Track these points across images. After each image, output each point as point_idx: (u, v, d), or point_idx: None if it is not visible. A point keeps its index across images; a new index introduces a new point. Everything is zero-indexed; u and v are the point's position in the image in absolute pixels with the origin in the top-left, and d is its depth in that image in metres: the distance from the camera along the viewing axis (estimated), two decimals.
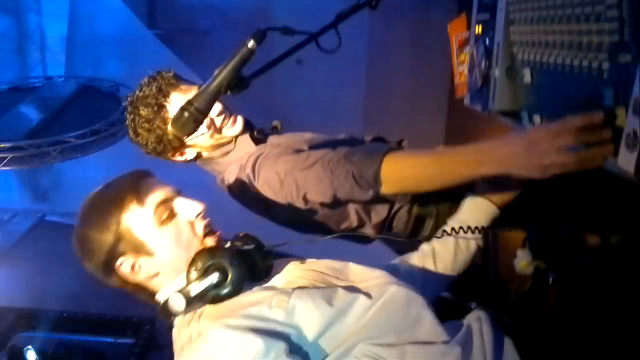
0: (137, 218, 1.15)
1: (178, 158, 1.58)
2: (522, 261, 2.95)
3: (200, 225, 1.20)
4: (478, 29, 1.57)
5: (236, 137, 1.57)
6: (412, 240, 1.50)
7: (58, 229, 4.49)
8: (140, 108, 1.49)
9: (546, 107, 1.27)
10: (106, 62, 4.91)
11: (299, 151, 1.46)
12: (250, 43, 1.22)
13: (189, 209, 1.20)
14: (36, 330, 3.05)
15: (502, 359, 1.02)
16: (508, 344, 1.05)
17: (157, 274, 1.17)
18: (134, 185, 1.19)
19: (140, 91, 1.51)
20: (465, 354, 1.01)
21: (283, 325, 0.99)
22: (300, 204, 1.39)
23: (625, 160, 0.89)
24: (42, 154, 3.67)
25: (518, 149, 1.01)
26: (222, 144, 1.57)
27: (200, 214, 1.20)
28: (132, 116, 1.51)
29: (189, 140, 1.51)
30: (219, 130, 1.55)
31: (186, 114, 1.22)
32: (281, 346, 0.95)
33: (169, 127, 1.45)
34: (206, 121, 1.46)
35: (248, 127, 1.60)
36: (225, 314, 1.03)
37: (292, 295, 1.03)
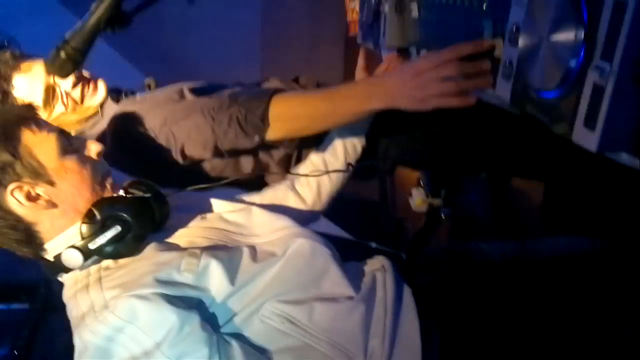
0: (39, 140, 1.03)
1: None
2: (418, 199, 3.11)
3: (101, 166, 1.10)
4: None
5: (101, 105, 1.42)
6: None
7: None
8: None
9: (433, 42, 1.31)
10: None
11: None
12: None
13: (90, 146, 1.09)
14: None
15: (400, 311, 1.03)
16: (407, 295, 1.07)
17: (54, 207, 1.03)
18: (34, 110, 1.09)
19: None
20: (369, 309, 1.01)
21: (193, 289, 0.95)
22: (179, 160, 1.27)
23: (502, 89, 0.94)
24: None
25: (404, 80, 1.03)
26: (87, 116, 1.42)
27: (100, 152, 1.10)
28: None
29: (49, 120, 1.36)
30: (79, 102, 1.40)
31: (62, 54, 1.12)
32: (195, 319, 0.90)
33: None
34: (61, 98, 1.34)
35: (114, 92, 1.45)
36: (132, 280, 0.96)
37: (201, 257, 0.98)
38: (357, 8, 1.68)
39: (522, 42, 0.86)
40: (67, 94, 1.37)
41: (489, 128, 1.41)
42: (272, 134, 1.19)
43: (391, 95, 1.06)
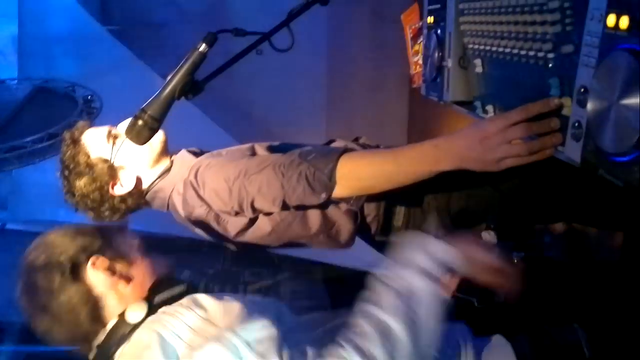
0: None
1: (118, 190, 1.47)
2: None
3: None
4: (430, 19, 1.59)
5: (163, 153, 1.50)
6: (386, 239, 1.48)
7: (19, 238, 4.38)
8: (64, 159, 1.47)
9: (498, 97, 1.30)
10: (60, 62, 4.77)
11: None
12: (202, 46, 1.20)
13: None
14: (2, 344, 2.97)
15: None
16: None
17: (128, 282, 1.19)
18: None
19: (61, 152, 1.50)
20: None
21: None
22: (248, 213, 1.32)
23: (571, 151, 0.92)
24: None
25: (473, 143, 1.03)
26: (154, 157, 1.48)
27: None
28: (62, 176, 1.48)
29: (116, 160, 1.44)
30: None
31: (140, 122, 1.20)
32: None
33: (92, 157, 1.44)
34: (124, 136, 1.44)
35: (195, 154, 1.53)
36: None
37: None
38: (420, 62, 1.69)
39: (590, 104, 0.84)
40: None
41: (561, 179, 1.37)
42: (338, 192, 1.21)
43: (460, 158, 1.06)
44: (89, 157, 1.45)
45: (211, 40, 1.21)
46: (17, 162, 3.68)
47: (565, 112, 0.99)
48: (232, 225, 1.38)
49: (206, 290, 1.18)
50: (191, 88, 1.23)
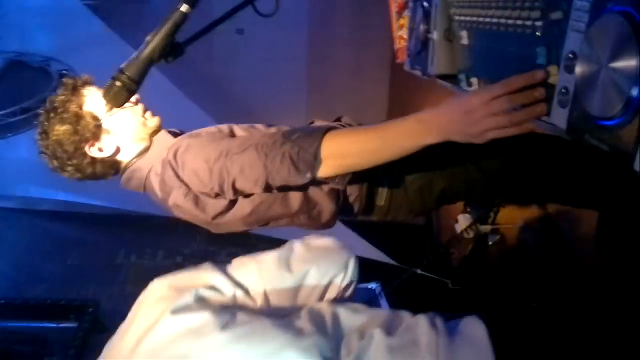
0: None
1: (94, 152, 1.42)
2: (464, 225, 3.04)
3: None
4: None
5: (151, 134, 1.46)
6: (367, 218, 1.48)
7: None
8: (55, 99, 1.40)
9: (483, 69, 1.29)
10: (36, 36, 4.66)
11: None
12: (184, 7, 1.17)
13: None
14: None
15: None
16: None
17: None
18: None
19: (56, 94, 1.43)
20: None
21: None
22: (229, 194, 1.29)
23: (557, 117, 0.91)
24: None
25: (457, 116, 1.02)
26: (140, 136, 1.45)
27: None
28: (44, 115, 1.41)
29: (106, 122, 1.40)
30: (137, 115, 1.45)
31: (118, 83, 1.16)
32: None
33: (85, 109, 1.39)
34: (128, 105, 1.38)
35: (175, 134, 1.49)
36: None
37: None
38: (405, 36, 1.67)
39: (579, 69, 0.83)
40: (131, 104, 1.42)
41: (539, 156, 1.37)
42: (323, 171, 1.19)
43: (444, 131, 1.05)
44: (80, 107, 1.39)
45: (193, 1, 1.17)
46: None
47: (551, 80, 0.98)
48: (212, 207, 1.35)
49: None
50: (171, 50, 1.20)
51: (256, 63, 4.33)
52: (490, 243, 3.00)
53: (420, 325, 1.08)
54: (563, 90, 0.88)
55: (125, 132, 1.42)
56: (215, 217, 1.36)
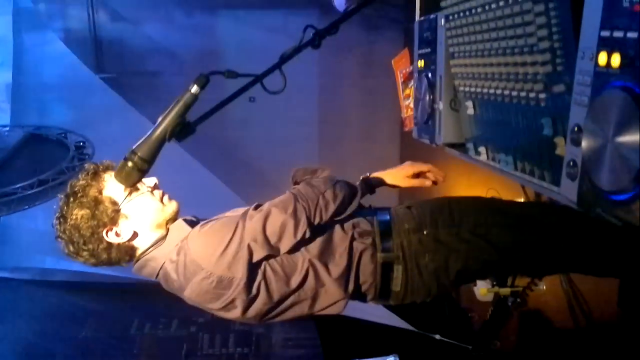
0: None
1: (111, 237, 1.41)
2: (482, 288, 2.97)
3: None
4: (420, 63, 1.60)
5: (169, 221, 1.45)
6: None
7: (6, 284, 4.28)
8: (74, 184, 1.40)
9: (490, 139, 1.29)
10: (53, 109, 4.78)
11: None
12: (194, 88, 1.20)
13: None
14: None
15: None
16: None
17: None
18: None
19: (76, 177, 1.43)
20: None
21: None
22: (260, 253, 1.30)
23: (567, 189, 0.90)
24: None
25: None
26: (157, 223, 1.44)
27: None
28: (64, 199, 1.41)
29: (124, 208, 1.39)
30: (155, 198, 1.44)
31: (130, 163, 1.18)
32: None
33: (104, 194, 1.38)
34: (144, 189, 1.40)
35: (191, 222, 1.47)
36: None
37: None
38: (412, 105, 1.70)
39: (585, 142, 0.83)
40: (149, 189, 1.42)
41: (556, 227, 1.35)
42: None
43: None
44: (100, 192, 1.39)
45: (203, 82, 1.20)
46: (6, 208, 3.62)
47: (558, 151, 0.98)
48: (229, 295, 1.35)
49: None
50: (182, 130, 1.22)
51: (268, 128, 4.40)
52: (510, 306, 2.92)
53: None
54: (571, 163, 0.88)
55: (143, 218, 1.42)
56: (229, 310, 1.35)
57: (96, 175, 1.41)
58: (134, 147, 1.20)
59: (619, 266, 1.40)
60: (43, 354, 3.31)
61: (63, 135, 4.21)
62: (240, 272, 1.29)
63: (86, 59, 4.59)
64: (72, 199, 1.40)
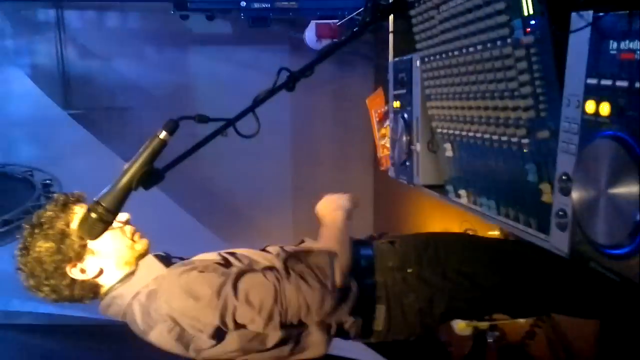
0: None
1: (75, 273, 1.33)
2: (460, 323, 2.93)
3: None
4: (396, 104, 1.58)
5: (137, 258, 1.37)
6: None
7: None
8: (41, 215, 1.31)
9: (471, 182, 1.26)
10: (19, 147, 4.65)
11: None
12: (162, 134, 1.14)
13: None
14: None
15: None
16: None
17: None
18: None
19: (43, 208, 1.35)
20: None
21: None
22: (230, 326, 1.23)
23: (557, 240, 0.87)
24: None
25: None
26: (125, 259, 1.36)
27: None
28: (28, 230, 1.31)
29: (92, 244, 1.29)
30: (130, 237, 1.36)
31: (93, 214, 1.11)
32: None
33: (72, 227, 1.28)
34: (117, 225, 1.31)
35: (164, 259, 1.39)
36: None
37: None
38: (388, 145, 1.66)
39: (575, 193, 0.80)
40: (120, 226, 1.34)
41: (538, 270, 1.32)
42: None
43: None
44: (68, 225, 1.31)
45: (172, 128, 1.14)
46: None
47: (545, 198, 0.95)
48: (196, 343, 1.26)
49: None
50: (150, 177, 1.15)
51: (241, 163, 4.35)
52: (489, 340, 2.89)
53: None
54: (560, 213, 0.84)
55: (111, 254, 1.35)
56: (199, 353, 1.27)
57: (65, 207, 1.33)
58: (97, 197, 1.13)
59: (600, 309, 1.37)
60: None
61: (29, 173, 4.09)
62: (210, 334, 1.23)
63: (54, 95, 4.51)
64: (37, 230, 1.31)
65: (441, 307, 1.32)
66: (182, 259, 1.40)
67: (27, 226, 1.34)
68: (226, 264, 1.31)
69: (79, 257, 1.33)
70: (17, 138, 4.55)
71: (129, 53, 4.37)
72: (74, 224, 1.32)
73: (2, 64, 4.52)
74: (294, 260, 1.23)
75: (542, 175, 0.95)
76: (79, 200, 1.37)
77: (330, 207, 1.43)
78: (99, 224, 1.12)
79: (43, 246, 1.31)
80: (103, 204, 1.11)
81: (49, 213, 1.33)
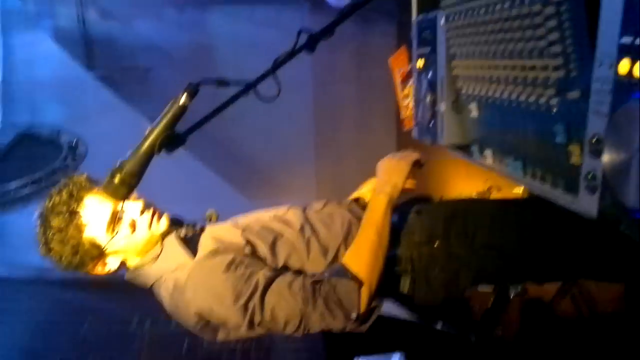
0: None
1: (99, 270, 1.37)
2: None
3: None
4: (420, 63, 1.53)
5: (162, 236, 1.38)
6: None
7: (4, 283, 4.23)
8: (51, 218, 1.31)
9: (497, 142, 1.23)
10: (45, 108, 4.72)
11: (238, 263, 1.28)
12: (183, 99, 1.14)
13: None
14: None
15: None
16: None
17: None
18: None
19: (49, 201, 1.33)
20: None
21: None
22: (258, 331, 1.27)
23: (586, 203, 0.84)
24: None
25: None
26: (147, 247, 1.37)
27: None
28: (41, 229, 1.32)
29: (109, 248, 1.32)
30: (148, 227, 1.36)
31: (117, 179, 1.12)
32: None
33: (85, 236, 1.30)
34: (127, 221, 1.32)
35: (176, 224, 1.43)
36: None
37: None
38: (412, 105, 1.63)
39: (607, 155, 0.77)
40: (133, 222, 1.33)
41: (563, 233, 1.29)
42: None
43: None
44: (81, 235, 1.30)
45: (192, 92, 1.14)
46: (1, 208, 3.60)
47: (573, 160, 0.92)
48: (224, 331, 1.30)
49: None
50: (171, 141, 1.16)
51: (263, 123, 4.34)
52: (512, 295, 2.89)
53: None
54: (590, 176, 0.82)
55: (130, 250, 1.35)
56: (227, 336, 1.30)
57: (73, 214, 1.30)
58: (120, 161, 1.14)
59: (626, 272, 1.35)
60: (43, 352, 3.27)
61: (55, 134, 4.15)
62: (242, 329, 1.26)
63: (77, 57, 4.54)
64: (50, 234, 1.31)
65: (467, 279, 1.32)
66: (194, 225, 1.41)
67: (39, 226, 1.33)
68: (252, 251, 1.30)
69: (98, 260, 1.34)
70: (43, 100, 4.62)
71: (150, 14, 4.35)
72: (87, 232, 1.30)
73: (25, 27, 4.54)
74: (320, 283, 1.23)
75: (571, 137, 0.92)
76: (83, 197, 1.33)
77: (385, 177, 1.38)
78: (122, 188, 1.13)
79: (60, 250, 1.31)
80: (126, 168, 1.12)
81: (58, 220, 1.31)
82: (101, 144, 3.71)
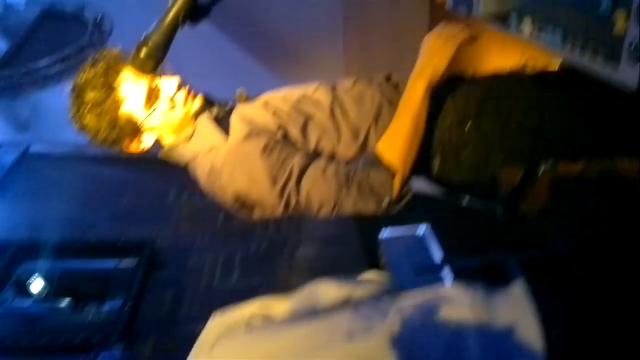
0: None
1: (134, 147, 1.40)
2: None
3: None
4: None
5: (195, 115, 1.40)
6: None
7: (44, 159, 4.41)
8: (87, 91, 1.31)
9: (537, 8, 1.16)
10: None
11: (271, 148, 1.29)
12: None
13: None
14: (37, 261, 3.04)
15: None
16: None
17: None
18: None
19: (83, 74, 1.33)
20: None
21: None
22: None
23: (626, 74, 0.81)
24: (13, 86, 3.54)
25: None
26: (182, 125, 1.39)
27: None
28: (76, 104, 1.34)
29: (145, 124, 1.35)
30: (177, 105, 1.39)
31: (143, 52, 1.12)
32: None
33: (122, 111, 1.32)
34: (165, 97, 1.34)
35: (207, 104, 1.43)
36: None
37: None
38: None
39: None
40: (171, 97, 1.34)
41: (603, 111, 1.26)
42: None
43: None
44: (118, 109, 1.33)
45: None
46: (32, 87, 3.65)
47: (617, 28, 0.87)
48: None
49: None
50: (195, 12, 1.13)
51: None
52: (540, 173, 2.90)
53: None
54: (633, 46, 0.78)
55: (165, 127, 1.37)
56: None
57: (110, 88, 1.31)
58: (146, 33, 1.13)
59: None
60: (84, 224, 3.47)
61: (80, 9, 4.09)
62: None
63: None
64: (85, 109, 1.33)
65: (497, 162, 1.31)
66: (225, 105, 1.42)
67: (74, 100, 1.34)
68: (284, 135, 1.31)
69: (135, 135, 1.36)
70: None
71: None
72: (124, 107, 1.31)
73: None
74: (354, 166, 1.25)
75: (617, 3, 0.86)
76: (119, 70, 1.32)
77: (426, 59, 1.31)
78: (149, 61, 1.13)
79: (95, 124, 1.33)
80: (151, 41, 1.11)
81: (95, 93, 1.33)
82: (127, 18, 3.65)
